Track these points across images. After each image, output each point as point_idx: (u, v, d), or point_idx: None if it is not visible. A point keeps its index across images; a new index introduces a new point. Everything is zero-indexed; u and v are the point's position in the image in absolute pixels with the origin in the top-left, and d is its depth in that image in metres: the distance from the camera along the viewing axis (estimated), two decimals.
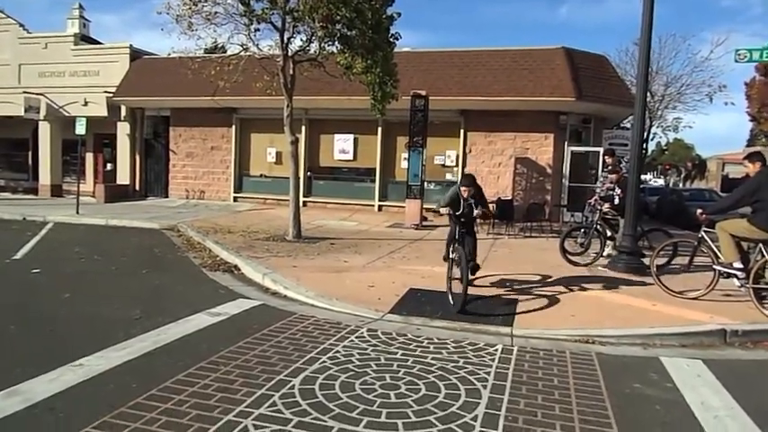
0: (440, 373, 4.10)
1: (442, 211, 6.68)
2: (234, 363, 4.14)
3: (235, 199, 17.93)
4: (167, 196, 18.69)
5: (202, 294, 6.45)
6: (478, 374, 4.09)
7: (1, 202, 17.15)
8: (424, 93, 13.71)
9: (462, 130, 15.62)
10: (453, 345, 4.77)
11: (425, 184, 14.00)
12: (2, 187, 21.21)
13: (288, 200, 10.94)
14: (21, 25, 19.77)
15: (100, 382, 3.79)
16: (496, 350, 4.67)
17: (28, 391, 3.56)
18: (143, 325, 5.05)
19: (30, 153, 21.09)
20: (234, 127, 17.82)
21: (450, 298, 5.99)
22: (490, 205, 6.89)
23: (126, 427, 3.11)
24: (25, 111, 18.50)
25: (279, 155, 17.40)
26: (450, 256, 6.47)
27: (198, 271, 7.94)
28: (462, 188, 6.59)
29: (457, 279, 5.89)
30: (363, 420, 3.26)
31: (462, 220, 6.66)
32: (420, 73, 15.00)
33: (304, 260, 8.36)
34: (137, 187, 19.11)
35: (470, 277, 6.25)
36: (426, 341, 4.86)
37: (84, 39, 20.12)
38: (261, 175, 17.95)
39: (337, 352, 4.46)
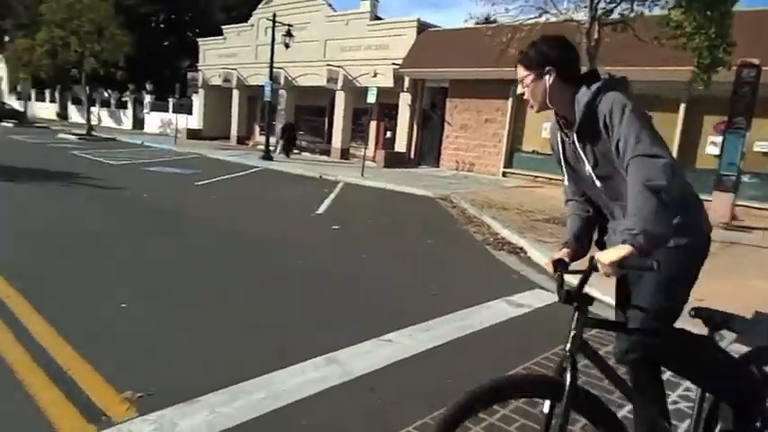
0: None
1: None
2: None
3: (503, 174, 17.41)
4: (438, 166, 19.15)
5: (494, 277, 5.97)
6: None
7: (303, 161, 19.79)
8: (757, 62, 10.92)
9: None
10: None
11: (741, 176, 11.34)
12: (303, 148, 24.57)
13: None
14: (329, 5, 22.18)
15: (412, 366, 3.50)
16: None
17: (346, 362, 3.45)
18: (442, 304, 4.75)
19: (326, 119, 23.88)
20: (510, 99, 17.16)
21: None
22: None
23: None
24: (327, 81, 20.89)
25: None
26: None
27: (481, 248, 7.54)
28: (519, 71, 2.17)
29: None
30: None
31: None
32: (747, 36, 12.02)
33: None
34: (411, 155, 20.05)
35: None
36: None
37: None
38: (533, 152, 17.00)
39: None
